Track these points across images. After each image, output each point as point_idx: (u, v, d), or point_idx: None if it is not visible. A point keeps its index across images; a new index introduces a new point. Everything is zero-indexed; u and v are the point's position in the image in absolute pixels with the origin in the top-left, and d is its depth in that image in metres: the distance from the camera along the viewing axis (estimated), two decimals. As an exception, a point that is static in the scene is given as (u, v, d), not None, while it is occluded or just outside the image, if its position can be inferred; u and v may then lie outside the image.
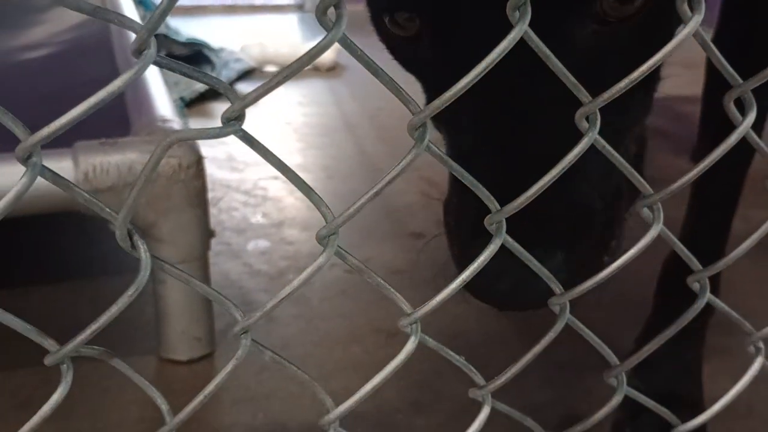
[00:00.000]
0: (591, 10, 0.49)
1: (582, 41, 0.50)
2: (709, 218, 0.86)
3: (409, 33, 0.54)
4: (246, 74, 2.26)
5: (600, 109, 0.44)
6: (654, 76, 0.59)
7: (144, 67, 0.32)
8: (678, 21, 0.44)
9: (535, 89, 0.49)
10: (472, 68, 0.39)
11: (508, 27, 0.39)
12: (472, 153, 0.51)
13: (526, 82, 0.49)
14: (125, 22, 0.33)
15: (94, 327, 0.35)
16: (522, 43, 0.39)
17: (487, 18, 0.47)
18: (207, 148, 1.23)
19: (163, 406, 0.41)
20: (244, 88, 2.16)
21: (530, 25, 0.39)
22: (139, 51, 0.33)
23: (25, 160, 0.33)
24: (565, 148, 0.44)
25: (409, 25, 0.54)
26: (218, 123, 0.36)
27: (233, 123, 0.36)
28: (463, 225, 0.53)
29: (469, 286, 0.49)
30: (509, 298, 0.52)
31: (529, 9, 0.39)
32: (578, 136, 0.44)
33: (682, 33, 0.42)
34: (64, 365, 0.36)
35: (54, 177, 0.35)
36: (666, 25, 0.53)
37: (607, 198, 0.54)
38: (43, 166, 0.34)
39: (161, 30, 2.17)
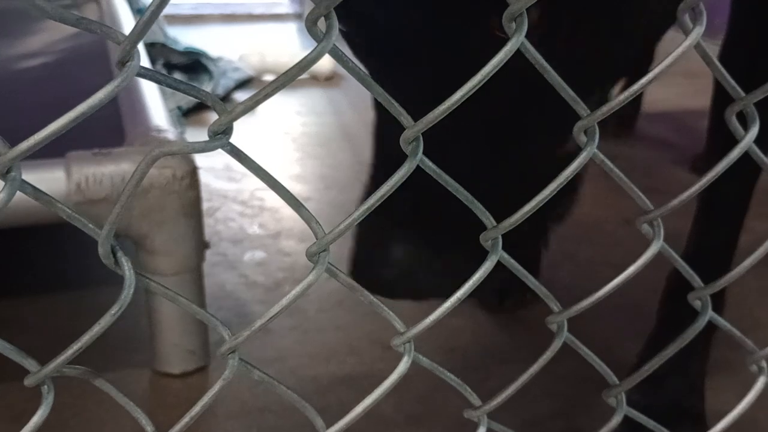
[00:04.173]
0: (483, 26, 0.48)
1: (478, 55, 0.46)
2: (715, 234, 0.84)
3: None
4: (244, 83, 2.25)
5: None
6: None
7: (126, 80, 0.31)
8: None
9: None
10: None
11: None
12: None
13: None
14: (109, 33, 0.32)
15: (75, 347, 0.34)
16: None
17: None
18: (204, 158, 1.22)
19: (149, 428, 0.39)
20: (243, 97, 2.14)
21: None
22: (122, 62, 0.32)
23: (4, 175, 0.32)
24: None
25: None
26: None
27: (220, 137, 0.35)
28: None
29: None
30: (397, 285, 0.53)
31: (526, 20, 0.38)
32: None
33: (683, 45, 0.41)
34: (45, 386, 0.35)
35: (35, 192, 0.34)
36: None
37: None
38: (24, 180, 0.33)
39: (159, 39, 2.15)
